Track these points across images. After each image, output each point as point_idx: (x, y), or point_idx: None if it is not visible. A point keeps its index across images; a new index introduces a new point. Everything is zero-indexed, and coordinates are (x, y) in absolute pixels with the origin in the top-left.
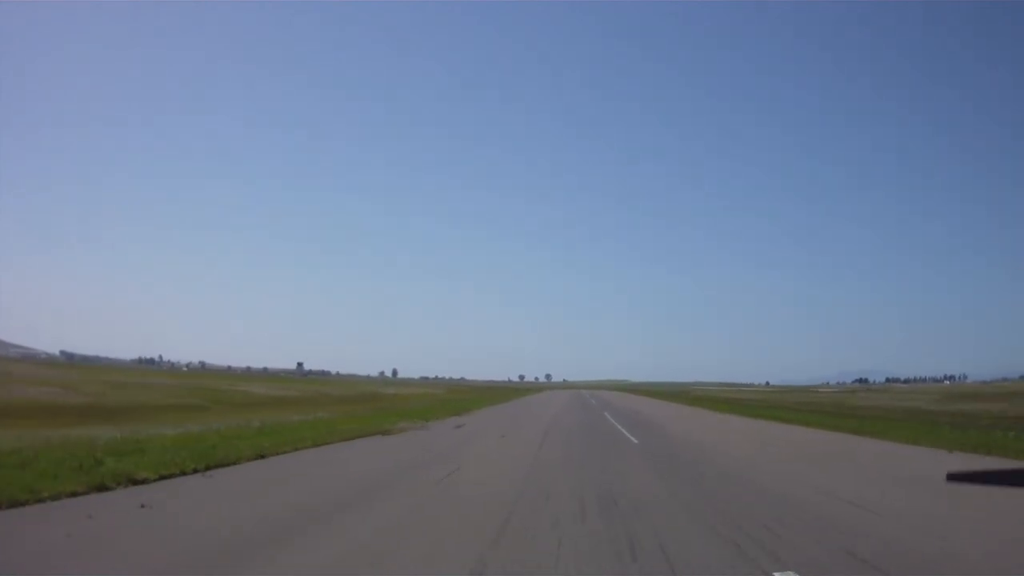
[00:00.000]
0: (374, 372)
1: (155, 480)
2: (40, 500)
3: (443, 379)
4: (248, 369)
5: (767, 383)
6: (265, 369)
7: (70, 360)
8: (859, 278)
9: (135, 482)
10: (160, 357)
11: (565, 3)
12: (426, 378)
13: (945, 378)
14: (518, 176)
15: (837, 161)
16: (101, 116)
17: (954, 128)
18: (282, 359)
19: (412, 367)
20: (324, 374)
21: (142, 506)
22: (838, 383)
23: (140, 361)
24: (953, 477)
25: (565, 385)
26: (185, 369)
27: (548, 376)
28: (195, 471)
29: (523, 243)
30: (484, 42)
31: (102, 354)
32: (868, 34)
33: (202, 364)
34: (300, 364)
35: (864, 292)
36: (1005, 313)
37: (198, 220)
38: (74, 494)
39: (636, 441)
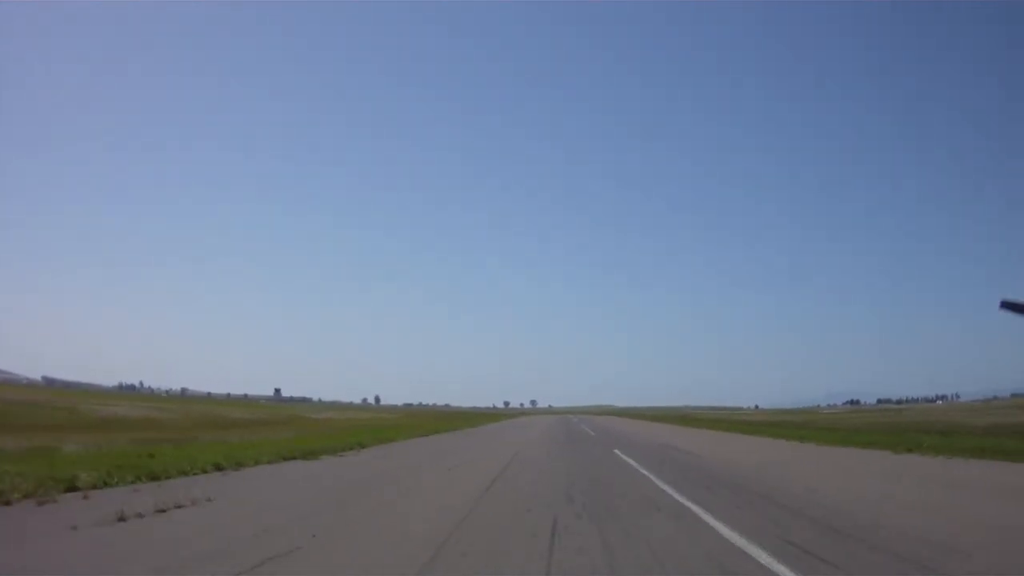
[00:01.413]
0: (357, 399)
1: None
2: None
3: (427, 406)
4: (228, 395)
5: (756, 406)
6: (246, 396)
7: (51, 385)
8: (841, 301)
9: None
10: (141, 383)
11: (552, 20)
12: (410, 404)
13: (937, 398)
14: (504, 203)
15: (825, 183)
16: (85, 144)
17: (943, 148)
18: (263, 385)
19: (396, 394)
20: (305, 400)
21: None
22: (829, 405)
23: (121, 387)
24: (1007, 306)
25: (550, 411)
26: (165, 395)
27: (533, 402)
28: None
29: (510, 269)
30: (477, 61)
31: (83, 380)
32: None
33: (182, 391)
34: (277, 390)
35: (846, 315)
36: (986, 332)
37: (182, 247)
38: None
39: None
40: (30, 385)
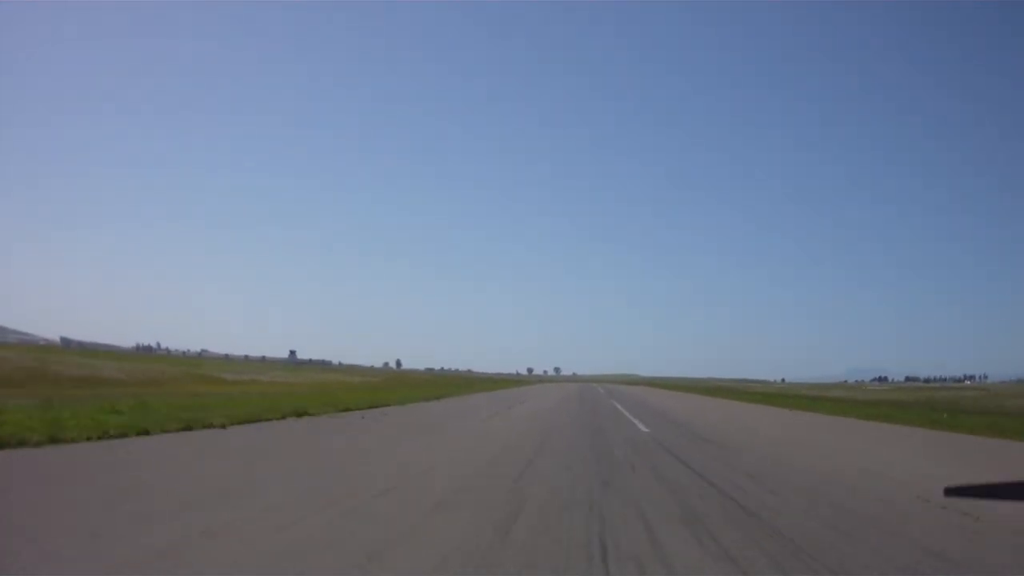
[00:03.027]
0: (378, 363)
1: None
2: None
3: (449, 371)
4: (246, 357)
5: (783, 380)
6: (263, 358)
7: (68, 347)
8: (870, 277)
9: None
10: (158, 344)
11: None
12: (431, 369)
13: (965, 378)
14: (529, 172)
15: (851, 157)
16: (100, 107)
17: (978, 114)
18: (282, 348)
19: (418, 359)
20: (324, 363)
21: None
22: (856, 381)
23: (138, 348)
24: (952, 492)
25: (574, 378)
26: (183, 356)
27: (557, 369)
28: None
29: (535, 236)
30: (498, 40)
31: (101, 341)
32: (872, 38)
33: (201, 352)
34: (292, 352)
35: (875, 291)
36: (1015, 313)
37: (201, 209)
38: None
39: None
40: (47, 345)
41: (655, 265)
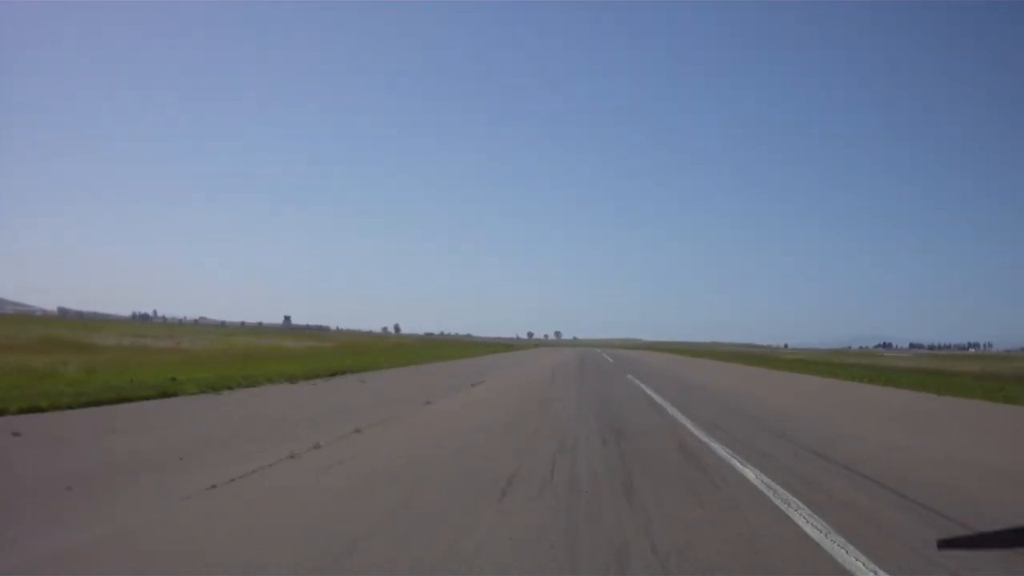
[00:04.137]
0: (377, 327)
1: None
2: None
3: (448, 335)
4: (242, 324)
5: (786, 345)
6: (260, 324)
7: (65, 316)
8: (868, 243)
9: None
10: (155, 312)
11: None
12: (430, 334)
13: (969, 345)
14: (532, 138)
15: (854, 124)
16: (100, 82)
17: (989, 79)
18: (278, 314)
19: (418, 323)
20: (321, 328)
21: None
22: (861, 347)
23: (135, 317)
24: (945, 544)
25: (575, 343)
26: (179, 324)
27: (558, 334)
28: None
29: (538, 202)
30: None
31: (99, 310)
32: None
33: (196, 320)
34: (287, 318)
35: (881, 258)
36: (1012, 282)
37: (197, 180)
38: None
39: None
40: (45, 316)
41: (658, 230)
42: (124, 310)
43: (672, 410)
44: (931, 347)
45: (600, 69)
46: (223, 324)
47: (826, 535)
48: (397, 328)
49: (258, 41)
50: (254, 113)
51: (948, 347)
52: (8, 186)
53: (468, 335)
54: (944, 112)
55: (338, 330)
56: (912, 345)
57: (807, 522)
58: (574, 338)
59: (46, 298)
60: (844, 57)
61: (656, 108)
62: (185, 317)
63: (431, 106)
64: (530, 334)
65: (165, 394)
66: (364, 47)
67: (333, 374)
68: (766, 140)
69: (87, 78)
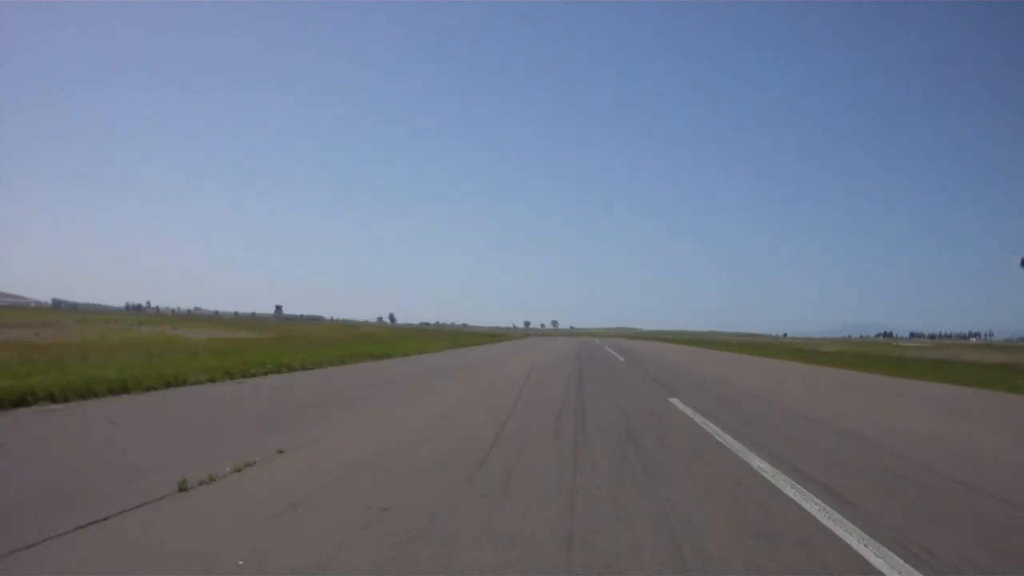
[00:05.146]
0: (372, 317)
1: None
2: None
3: (445, 325)
4: (236, 314)
5: (785, 334)
6: (253, 314)
7: (59, 307)
8: (877, 234)
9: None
10: (148, 303)
11: None
12: (426, 323)
13: (971, 335)
14: (530, 127)
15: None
16: (95, 78)
17: (988, 70)
18: (271, 304)
19: (413, 313)
20: (316, 319)
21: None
22: (860, 337)
23: (129, 308)
24: None
25: (571, 332)
26: (171, 315)
27: (555, 323)
28: None
29: (535, 192)
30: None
31: (92, 301)
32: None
33: (189, 311)
34: (279, 307)
35: (883, 247)
36: (1007, 272)
37: (194, 172)
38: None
39: None
40: (40, 308)
41: (657, 220)
42: (115, 301)
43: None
44: (932, 336)
45: (596, 59)
46: (216, 314)
47: None
48: (392, 318)
49: (250, 35)
50: (251, 106)
51: (949, 336)
52: (4, 180)
53: (464, 325)
54: (942, 103)
55: (332, 320)
56: (913, 334)
57: None
58: (571, 327)
59: (39, 290)
60: (843, 46)
61: (655, 98)
62: (179, 308)
63: (427, 97)
64: (527, 323)
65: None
66: (359, 39)
67: (169, 385)
68: (767, 132)
69: (81, 74)
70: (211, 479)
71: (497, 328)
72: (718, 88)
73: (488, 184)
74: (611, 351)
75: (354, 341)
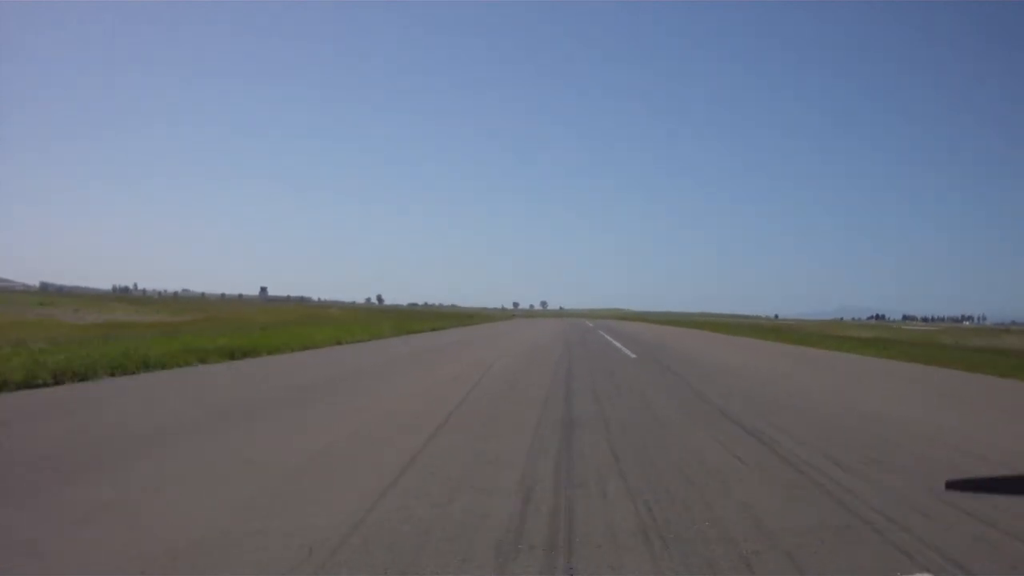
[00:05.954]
0: (359, 298)
1: None
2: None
3: (433, 306)
4: (222, 296)
5: (776, 316)
6: (240, 296)
7: (47, 290)
8: (870, 215)
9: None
10: (135, 286)
11: None
12: (414, 304)
13: (964, 318)
14: (519, 109)
15: (843, 95)
16: (87, 67)
17: (985, 53)
18: (256, 286)
19: (401, 295)
20: (303, 300)
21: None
22: (853, 319)
23: (115, 290)
24: (952, 486)
25: (560, 313)
26: (157, 297)
27: (543, 304)
28: None
29: (524, 173)
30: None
31: (80, 284)
32: None
33: (176, 293)
34: (263, 288)
35: (875, 229)
36: (1014, 254)
37: (180, 156)
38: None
39: None
40: (27, 290)
41: (647, 201)
42: (102, 284)
43: None
44: (924, 319)
45: (582, 37)
46: (203, 296)
47: None
48: (380, 299)
49: (234, 23)
50: (239, 91)
51: (942, 319)
52: None
53: (453, 306)
54: (936, 88)
55: (320, 301)
56: (906, 317)
57: None
58: (560, 308)
59: (27, 273)
60: (838, 31)
61: (645, 79)
62: (166, 290)
63: (417, 81)
64: (515, 304)
65: None
66: (353, 30)
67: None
68: (761, 115)
69: (69, 62)
70: None
71: (485, 309)
72: (710, 68)
73: (480, 166)
74: (607, 336)
75: (351, 323)
